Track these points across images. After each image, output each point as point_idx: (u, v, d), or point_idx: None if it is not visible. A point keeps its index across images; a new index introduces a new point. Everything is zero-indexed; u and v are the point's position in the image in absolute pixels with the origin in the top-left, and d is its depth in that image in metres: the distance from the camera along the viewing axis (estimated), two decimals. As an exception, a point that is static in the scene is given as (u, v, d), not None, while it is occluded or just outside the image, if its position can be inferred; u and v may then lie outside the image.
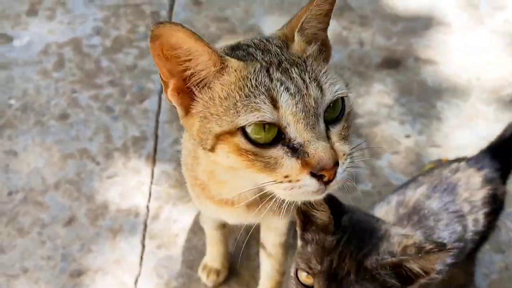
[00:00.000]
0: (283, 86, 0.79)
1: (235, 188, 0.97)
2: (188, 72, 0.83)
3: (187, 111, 0.87)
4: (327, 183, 0.78)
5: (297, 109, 0.78)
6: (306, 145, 0.78)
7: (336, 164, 0.78)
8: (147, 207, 1.73)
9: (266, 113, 0.78)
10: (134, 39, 2.25)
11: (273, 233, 1.28)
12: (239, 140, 0.80)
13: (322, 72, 0.83)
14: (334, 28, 2.39)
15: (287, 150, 0.79)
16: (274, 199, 0.87)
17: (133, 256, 1.62)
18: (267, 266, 1.37)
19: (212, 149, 0.84)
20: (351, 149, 0.84)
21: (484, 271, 1.60)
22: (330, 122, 0.83)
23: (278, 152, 0.80)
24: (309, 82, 0.80)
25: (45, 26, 2.26)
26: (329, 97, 0.81)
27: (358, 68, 2.24)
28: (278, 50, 0.85)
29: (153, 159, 1.86)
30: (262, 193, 0.88)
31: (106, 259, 1.61)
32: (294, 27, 0.87)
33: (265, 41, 0.88)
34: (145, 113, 2.01)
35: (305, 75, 0.81)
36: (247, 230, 1.25)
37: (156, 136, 1.93)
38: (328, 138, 0.81)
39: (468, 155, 1.53)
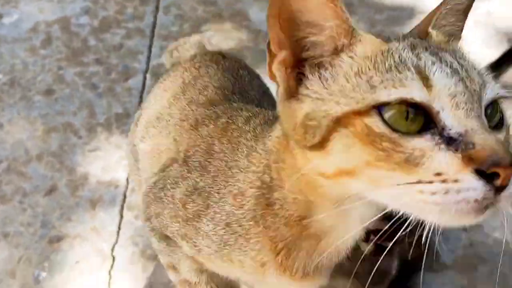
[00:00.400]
0: (435, 65, 0.63)
1: (339, 235, 0.78)
2: (308, 43, 0.68)
3: (292, 93, 0.70)
4: (498, 190, 0.57)
5: (457, 90, 0.61)
6: (471, 134, 0.59)
7: None
8: (127, 180, 1.78)
9: (415, 90, 0.60)
10: (122, 19, 2.30)
11: None
12: (374, 121, 0.61)
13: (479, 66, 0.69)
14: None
15: (440, 141, 0.60)
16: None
17: (111, 225, 1.67)
18: None
19: (321, 143, 0.64)
20: None
21: (450, 248, 1.65)
22: (495, 127, 0.66)
23: (426, 142, 0.60)
24: (469, 68, 0.65)
25: (35, 5, 2.31)
26: (491, 92, 0.65)
27: (341, 54, 2.29)
28: (417, 38, 0.72)
29: (135, 134, 1.91)
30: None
31: (85, 227, 1.66)
32: (428, 24, 0.75)
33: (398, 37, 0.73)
34: (129, 91, 2.06)
35: (460, 60, 0.66)
36: None
37: (139, 113, 1.98)
38: None
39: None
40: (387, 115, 0.60)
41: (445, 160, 0.58)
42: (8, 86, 2.04)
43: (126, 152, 1.46)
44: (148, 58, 2.20)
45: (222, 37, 2.33)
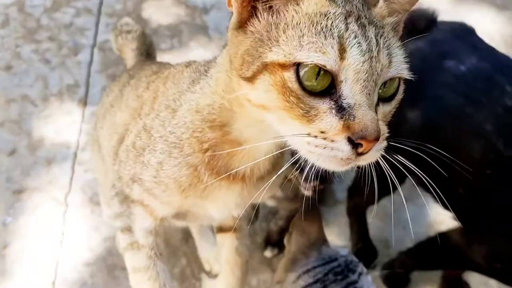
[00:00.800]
0: (356, 39, 0.70)
1: (253, 150, 0.89)
2: None
3: (242, 24, 0.77)
4: (359, 154, 0.70)
5: (362, 68, 0.69)
6: (356, 108, 0.70)
7: (377, 139, 0.70)
8: (78, 141, 2.11)
9: (330, 59, 0.69)
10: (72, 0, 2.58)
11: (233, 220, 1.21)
12: (290, 76, 0.70)
13: (396, 45, 0.76)
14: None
15: (334, 106, 0.71)
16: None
17: (65, 178, 2.01)
18: (232, 243, 1.26)
19: (251, 78, 0.74)
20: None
21: (342, 187, 2.03)
22: (381, 99, 0.75)
23: (323, 105, 0.71)
24: (382, 48, 0.72)
25: (-9, -12, 2.57)
26: (393, 71, 0.73)
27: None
28: (360, 5, 0.76)
29: (84, 102, 2.23)
30: (279, 151, 0.86)
31: (42, 181, 2.00)
32: None
33: None
34: (79, 64, 2.36)
35: (380, 38, 0.73)
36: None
37: (88, 84, 2.30)
38: (376, 112, 0.73)
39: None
40: (302, 71, 0.70)
41: (331, 123, 0.70)
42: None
43: (90, 154, 1.65)
44: (95, 34, 2.49)
45: (162, 14, 2.62)
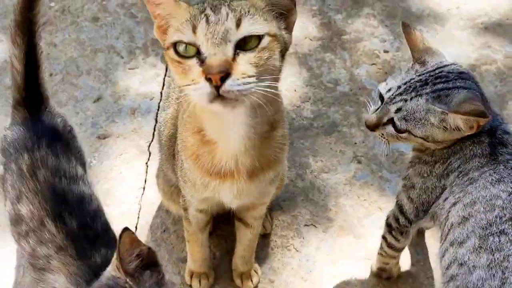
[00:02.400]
0: (205, 18, 0.96)
1: (226, 147, 1.14)
2: (159, 16, 1.08)
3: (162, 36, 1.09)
4: (217, 88, 0.92)
5: (208, 32, 0.95)
6: (207, 57, 0.94)
7: (223, 72, 0.92)
8: (161, 93, 2.11)
9: (187, 36, 0.97)
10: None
11: (259, 209, 1.45)
12: (171, 52, 1.01)
13: (251, 16, 0.98)
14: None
15: (198, 61, 0.96)
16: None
17: (148, 128, 2.02)
18: (247, 235, 1.54)
19: (166, 51, 1.05)
20: (256, 75, 0.96)
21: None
22: (244, 49, 0.97)
23: (192, 62, 0.97)
24: (229, 17, 0.96)
25: None
26: (244, 32, 0.96)
27: (352, -7, 2.54)
28: None
29: (167, 57, 2.23)
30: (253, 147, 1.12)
31: (126, 128, 2.01)
32: None
33: None
34: (163, 20, 2.36)
35: (230, 13, 0.97)
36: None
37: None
38: (234, 59, 0.94)
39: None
40: (179, 47, 0.99)
41: (196, 72, 0.95)
42: (60, 13, 2.36)
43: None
44: (180, -8, 2.48)
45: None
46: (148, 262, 1.08)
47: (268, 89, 0.96)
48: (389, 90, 1.32)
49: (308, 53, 2.30)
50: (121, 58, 2.23)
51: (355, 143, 2.02)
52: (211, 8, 0.98)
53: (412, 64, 1.34)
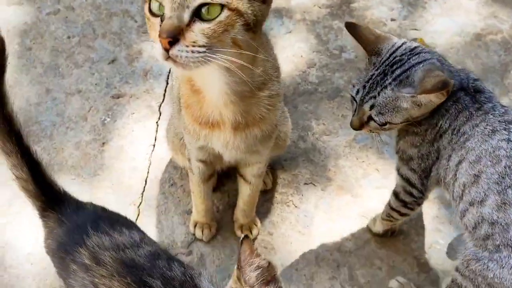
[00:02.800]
0: None
1: (210, 98, 1.22)
2: None
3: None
4: (166, 50, 0.97)
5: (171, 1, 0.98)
6: (164, 19, 0.98)
7: (171, 38, 0.96)
8: (172, 56, 2.20)
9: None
10: None
11: (255, 167, 1.55)
12: (146, 6, 1.05)
13: None
14: None
15: (160, 22, 1.00)
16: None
17: (159, 89, 2.12)
18: (247, 191, 1.64)
19: (144, 4, 1.10)
20: (207, 45, 0.99)
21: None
22: (202, 19, 0.99)
23: (157, 20, 1.02)
24: None
25: None
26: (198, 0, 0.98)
27: (363, -38, 2.57)
28: None
29: (180, 21, 2.31)
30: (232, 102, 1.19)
31: (139, 89, 2.12)
32: None
33: None
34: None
35: None
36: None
37: (184, 5, 2.37)
38: (189, 25, 0.98)
39: (442, 40, 1.87)
40: (152, 5, 1.02)
41: (155, 30, 1.01)
42: (78, -22, 2.46)
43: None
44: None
45: None
46: (269, 277, 1.01)
47: (222, 60, 1.00)
48: (358, 92, 1.38)
49: (316, 21, 2.35)
50: (135, 22, 2.32)
51: None
52: None
53: (369, 58, 1.38)
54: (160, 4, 1.00)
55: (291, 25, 2.32)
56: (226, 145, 1.34)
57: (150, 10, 1.04)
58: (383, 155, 1.96)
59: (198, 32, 0.98)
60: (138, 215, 1.81)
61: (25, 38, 2.25)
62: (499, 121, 1.29)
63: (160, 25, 0.98)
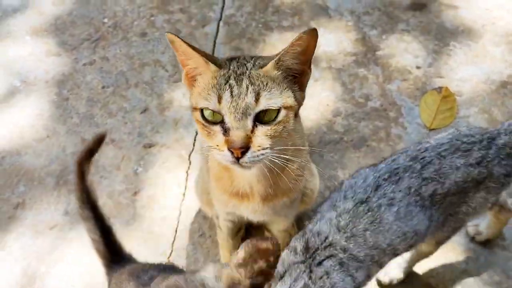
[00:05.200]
0: (229, 89, 1.08)
1: (241, 175, 1.30)
2: (189, 67, 1.19)
3: (190, 87, 1.22)
4: (237, 158, 1.08)
5: (231, 106, 1.07)
6: (231, 129, 1.07)
7: (244, 148, 1.07)
8: (202, 105, 2.27)
9: (212, 104, 1.10)
10: (202, -25, 2.75)
11: (281, 224, 1.64)
12: (198, 114, 1.14)
13: (268, 89, 1.10)
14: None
15: (221, 129, 1.09)
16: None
17: (189, 138, 2.18)
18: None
19: (193, 110, 1.17)
20: (270, 145, 1.10)
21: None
22: (263, 122, 1.10)
23: (216, 128, 1.10)
24: (249, 92, 1.08)
25: (132, -38, 2.80)
26: (261, 106, 1.09)
27: (388, 9, 2.62)
28: (249, 65, 1.14)
29: (209, 71, 2.39)
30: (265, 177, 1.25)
31: (169, 138, 2.19)
32: (274, 57, 1.14)
33: (248, 58, 1.17)
34: (206, 36, 2.53)
35: (250, 86, 1.08)
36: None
37: (213, 54, 2.45)
38: (253, 131, 1.08)
39: (467, 87, 1.91)
40: (205, 112, 1.12)
41: (220, 139, 1.09)
42: (112, 29, 2.57)
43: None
44: (222, 8, 2.64)
45: (285, -8, 2.72)
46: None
47: (278, 157, 1.11)
48: None
49: (342, 69, 2.41)
50: (166, 71, 2.41)
51: (383, 158, 2.11)
52: (235, 78, 1.10)
53: None
54: (215, 112, 1.10)
55: (317, 73, 2.38)
56: (254, 213, 1.41)
57: (204, 118, 1.12)
58: (409, 206, 1.97)
59: (262, 135, 1.09)
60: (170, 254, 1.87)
61: (62, 89, 2.36)
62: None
63: (226, 134, 1.08)
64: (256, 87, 1.09)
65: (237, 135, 1.07)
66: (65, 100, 2.32)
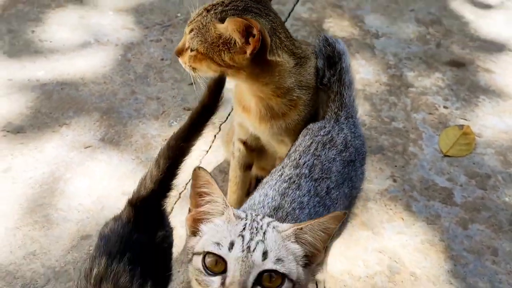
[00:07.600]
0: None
1: (246, 93, 1.64)
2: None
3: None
4: None
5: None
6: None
7: None
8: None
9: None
10: None
11: (283, 149, 1.68)
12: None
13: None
14: (419, 30, 3.05)
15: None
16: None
17: (225, 112, 2.41)
18: None
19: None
20: None
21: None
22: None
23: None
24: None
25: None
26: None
27: (429, 60, 2.87)
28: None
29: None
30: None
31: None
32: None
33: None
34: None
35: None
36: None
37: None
38: None
39: (488, 132, 2.17)
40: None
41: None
42: (182, 21, 2.93)
43: None
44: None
45: (339, 29, 3.03)
46: None
47: None
48: None
49: (374, 93, 2.62)
50: (220, 61, 2.70)
51: (395, 166, 2.25)
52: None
53: None
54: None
55: (351, 92, 2.60)
56: (254, 127, 1.67)
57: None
58: (410, 208, 2.08)
59: None
60: (178, 199, 2.02)
61: (127, 52, 2.68)
62: None
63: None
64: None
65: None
66: (127, 61, 2.63)
